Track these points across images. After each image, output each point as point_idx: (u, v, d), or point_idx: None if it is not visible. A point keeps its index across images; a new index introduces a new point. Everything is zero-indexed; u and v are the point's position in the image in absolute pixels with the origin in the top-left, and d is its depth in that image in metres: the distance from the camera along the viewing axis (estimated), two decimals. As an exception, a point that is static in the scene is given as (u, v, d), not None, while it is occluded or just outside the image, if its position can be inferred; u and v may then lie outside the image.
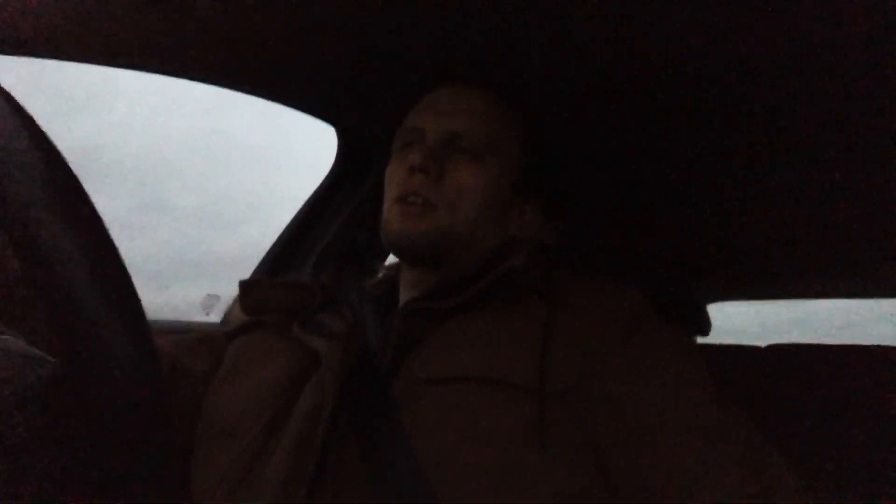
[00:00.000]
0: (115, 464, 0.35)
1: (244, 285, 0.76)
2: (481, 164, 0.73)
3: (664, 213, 1.27)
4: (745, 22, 0.68)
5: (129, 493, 0.35)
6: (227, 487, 0.57)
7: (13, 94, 0.38)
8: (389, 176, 0.77)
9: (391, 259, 0.87)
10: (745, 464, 0.54)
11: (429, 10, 0.73)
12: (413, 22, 0.76)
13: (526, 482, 0.54)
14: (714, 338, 1.70)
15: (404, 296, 0.77)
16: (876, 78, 0.75)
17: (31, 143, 0.37)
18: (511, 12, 0.71)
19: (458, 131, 0.73)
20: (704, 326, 1.63)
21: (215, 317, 1.24)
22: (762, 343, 1.24)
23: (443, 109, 0.76)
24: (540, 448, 0.55)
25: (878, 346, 1.07)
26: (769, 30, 0.69)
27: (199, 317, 1.27)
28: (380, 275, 0.84)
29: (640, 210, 1.28)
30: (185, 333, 1.15)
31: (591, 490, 0.56)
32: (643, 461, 0.56)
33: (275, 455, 0.56)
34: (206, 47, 0.85)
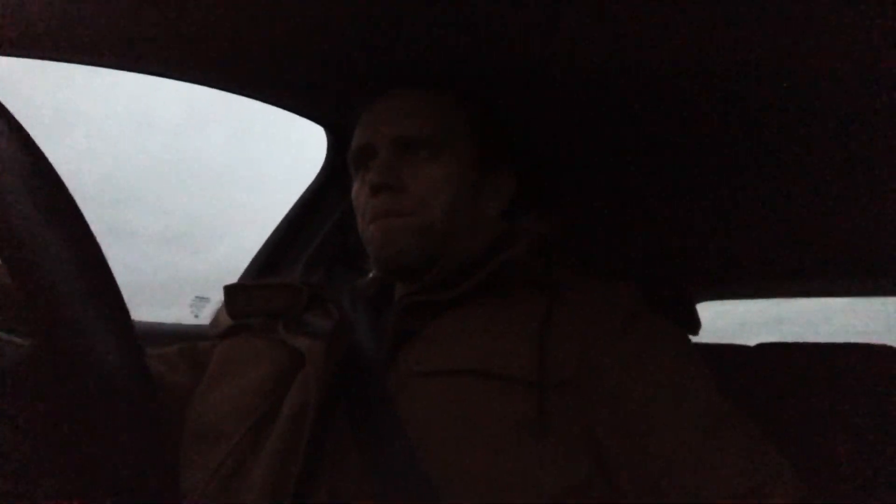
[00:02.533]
0: (99, 450, 0.34)
1: (229, 290, 0.75)
2: (438, 158, 0.74)
3: (655, 212, 1.28)
4: (742, 20, 0.68)
5: (116, 483, 0.35)
6: (215, 489, 0.57)
7: None
8: (356, 200, 0.77)
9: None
10: (744, 455, 0.55)
11: (421, 10, 0.73)
12: (404, 22, 0.76)
13: (525, 474, 0.54)
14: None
15: (398, 292, 0.77)
16: (873, 76, 0.76)
17: (12, 140, 0.37)
18: (505, 11, 0.71)
19: (406, 135, 0.74)
20: (694, 326, 1.63)
21: (204, 319, 1.23)
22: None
23: (386, 118, 0.76)
24: (539, 440, 0.55)
25: (868, 344, 1.08)
26: (765, 30, 0.69)
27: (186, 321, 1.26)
28: (371, 274, 0.84)
29: (631, 209, 1.28)
30: (171, 336, 1.14)
31: (590, 482, 0.56)
32: (642, 453, 0.56)
33: (261, 456, 0.56)
34: (196, 48, 0.84)
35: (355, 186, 0.79)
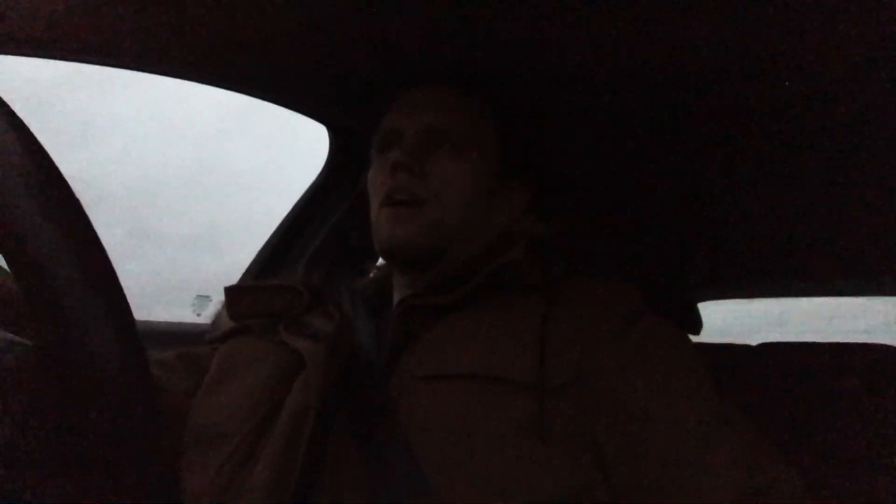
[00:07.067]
0: (100, 447, 0.34)
1: (230, 291, 0.75)
2: (462, 155, 0.73)
3: (656, 211, 1.28)
4: (745, 23, 0.68)
5: (117, 481, 0.35)
6: (215, 492, 0.57)
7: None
8: (373, 180, 0.77)
9: (383, 259, 0.87)
10: (745, 458, 0.54)
11: (422, 8, 0.73)
12: (405, 20, 0.76)
13: (526, 478, 0.54)
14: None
15: (398, 294, 0.76)
16: (872, 77, 0.75)
17: (14, 140, 0.37)
18: (508, 10, 0.71)
19: (436, 126, 0.74)
20: (695, 325, 1.63)
21: (205, 318, 1.23)
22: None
23: (417, 107, 0.76)
24: (539, 444, 0.55)
25: (869, 344, 1.08)
26: (765, 30, 0.69)
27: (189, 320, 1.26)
28: (371, 274, 0.84)
29: (632, 209, 1.28)
30: (173, 334, 1.15)
31: (591, 485, 0.55)
32: (641, 456, 0.56)
33: (261, 458, 0.56)
34: (200, 47, 0.84)
35: (373, 169, 0.78)
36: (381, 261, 0.91)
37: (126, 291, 0.38)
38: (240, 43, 0.83)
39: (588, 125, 0.98)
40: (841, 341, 1.12)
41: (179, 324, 1.22)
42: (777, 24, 0.68)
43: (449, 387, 0.59)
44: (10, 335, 0.36)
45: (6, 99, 0.39)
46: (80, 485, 0.35)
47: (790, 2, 0.64)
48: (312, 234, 1.18)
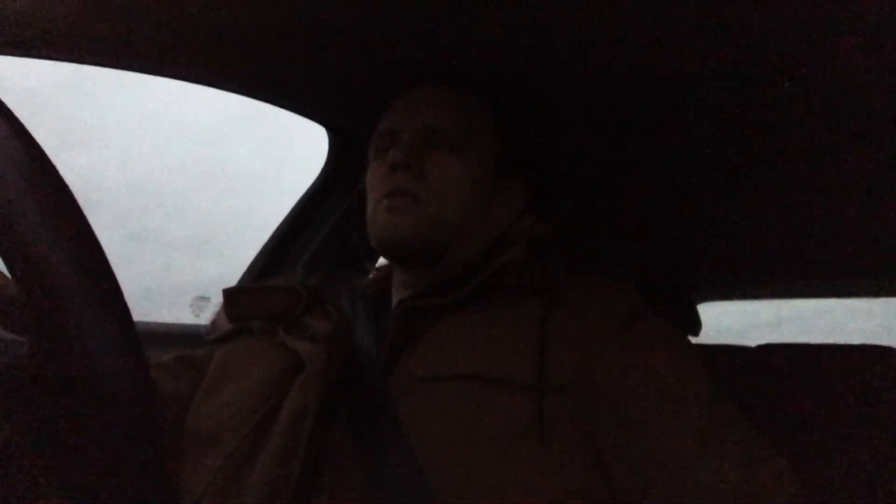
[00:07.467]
0: (99, 448, 0.34)
1: (228, 293, 0.75)
2: (460, 154, 0.74)
3: (655, 211, 1.28)
4: (741, 22, 0.68)
5: (116, 482, 0.35)
6: (214, 494, 0.57)
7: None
8: (371, 180, 0.77)
9: (382, 260, 0.87)
10: (743, 458, 0.54)
11: (422, 10, 0.73)
12: (403, 20, 0.76)
13: (526, 479, 0.54)
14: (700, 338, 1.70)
15: (397, 295, 0.76)
16: (872, 77, 0.76)
17: (13, 140, 0.37)
18: (506, 12, 0.71)
19: (433, 125, 0.74)
20: (695, 326, 1.63)
21: (205, 319, 1.23)
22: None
23: (415, 107, 0.77)
24: (539, 445, 0.55)
25: (869, 346, 1.08)
26: (766, 29, 0.69)
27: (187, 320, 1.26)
28: (371, 275, 0.84)
29: (632, 209, 1.28)
30: (171, 335, 1.14)
31: (591, 486, 0.56)
32: (641, 456, 0.56)
33: (260, 459, 0.56)
34: (199, 48, 0.84)
35: (371, 170, 0.78)
36: (381, 261, 0.91)
37: (125, 293, 0.38)
38: (240, 44, 0.83)
39: (587, 125, 0.98)
40: (840, 343, 1.12)
41: (178, 325, 1.22)
42: (777, 24, 0.68)
43: (449, 388, 0.59)
44: (9, 335, 0.36)
45: (5, 100, 0.39)
46: (79, 486, 0.35)
47: (790, 2, 0.64)
48: (312, 234, 1.18)
